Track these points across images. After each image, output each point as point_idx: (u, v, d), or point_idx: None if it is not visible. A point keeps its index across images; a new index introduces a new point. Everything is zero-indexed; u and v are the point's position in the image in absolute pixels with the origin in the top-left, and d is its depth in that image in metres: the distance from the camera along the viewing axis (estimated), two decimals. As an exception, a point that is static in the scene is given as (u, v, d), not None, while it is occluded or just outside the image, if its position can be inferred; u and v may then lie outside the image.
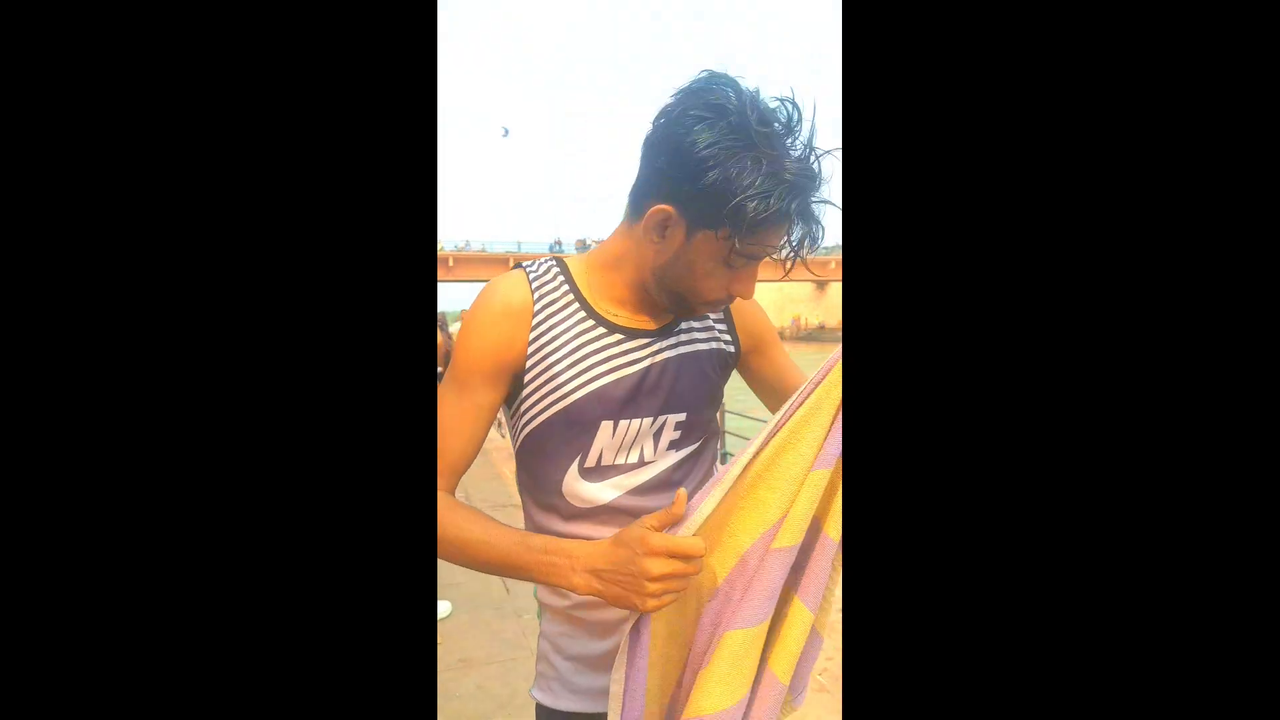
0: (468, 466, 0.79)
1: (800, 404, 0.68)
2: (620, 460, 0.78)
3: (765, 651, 0.71)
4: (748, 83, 0.67)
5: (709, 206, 0.65)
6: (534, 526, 0.83)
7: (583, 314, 0.77)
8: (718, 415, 0.90)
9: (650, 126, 0.69)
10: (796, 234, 0.68)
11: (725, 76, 0.67)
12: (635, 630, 0.69)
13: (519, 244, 49.36)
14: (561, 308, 0.77)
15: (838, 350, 0.67)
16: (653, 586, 0.64)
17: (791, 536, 0.67)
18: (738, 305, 0.84)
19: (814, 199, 0.67)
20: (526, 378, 0.76)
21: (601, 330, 0.77)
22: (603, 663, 0.82)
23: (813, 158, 0.67)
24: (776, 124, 0.66)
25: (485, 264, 45.25)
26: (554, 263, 0.80)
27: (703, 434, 0.84)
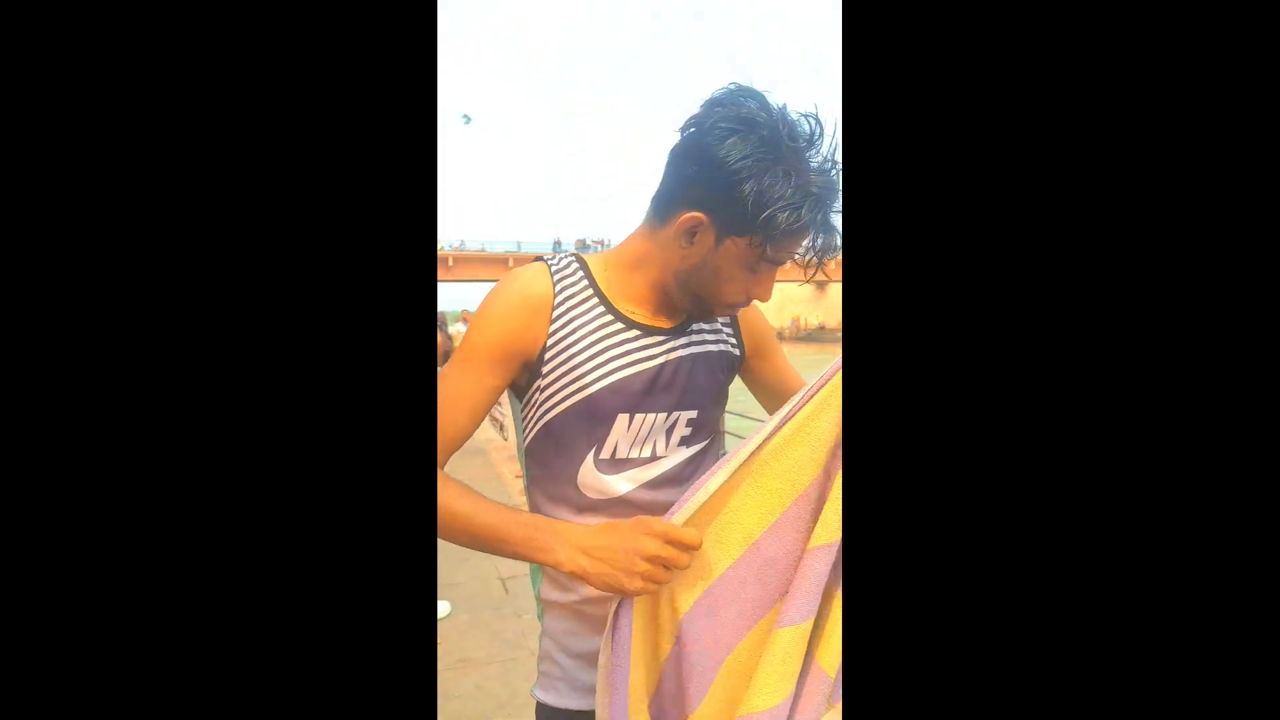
0: (461, 445, 0.81)
1: (809, 399, 0.70)
2: (634, 454, 0.80)
3: (811, 646, 0.73)
4: (754, 85, 0.71)
5: (740, 215, 0.69)
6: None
7: (602, 309, 0.79)
8: (721, 416, 0.92)
9: (678, 136, 0.73)
10: (820, 242, 0.72)
11: (752, 90, 0.71)
12: (616, 616, 0.71)
13: (519, 244, 49.37)
14: (581, 301, 0.79)
15: None
16: (643, 565, 0.67)
17: (830, 534, 0.70)
18: (743, 310, 0.87)
19: (834, 210, 0.71)
20: (546, 368, 0.78)
21: (620, 325, 0.79)
22: None
23: (834, 171, 0.71)
24: (802, 138, 0.70)
25: (484, 264, 45.23)
26: (574, 259, 0.83)
27: (710, 433, 0.87)
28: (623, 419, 0.78)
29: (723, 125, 0.69)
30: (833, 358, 0.72)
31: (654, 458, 0.81)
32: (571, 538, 0.71)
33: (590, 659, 0.83)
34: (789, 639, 0.70)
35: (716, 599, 0.73)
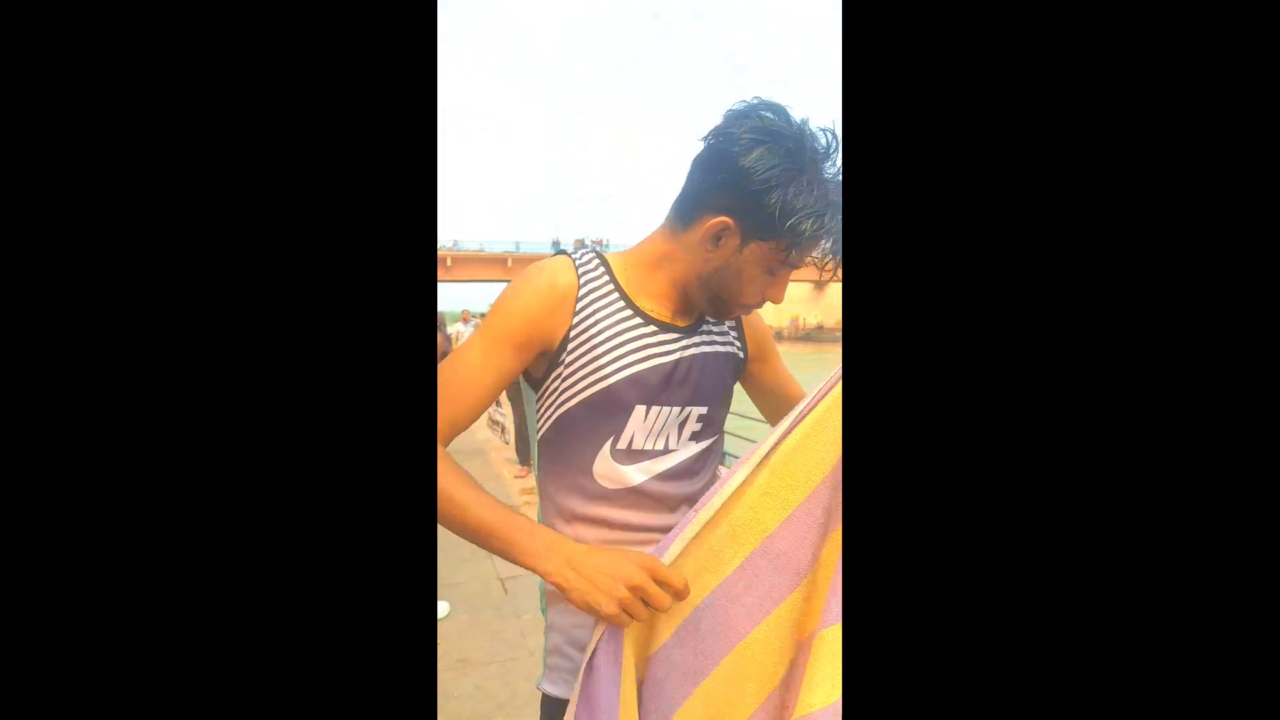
0: (468, 426, 0.81)
1: (817, 402, 0.73)
2: (649, 446, 0.83)
3: None
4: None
5: (766, 221, 0.74)
6: (553, 507, 0.85)
7: (623, 304, 0.82)
8: (725, 416, 0.95)
9: (702, 144, 0.77)
10: (835, 246, 0.77)
11: (774, 103, 0.76)
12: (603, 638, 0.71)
13: (518, 244, 49.34)
14: (603, 295, 0.82)
15: None
16: (623, 592, 0.68)
17: None
18: (747, 315, 0.91)
19: None
20: (568, 358, 0.80)
21: (639, 320, 0.82)
22: None
23: None
24: (820, 151, 0.75)
25: (483, 264, 45.17)
26: (595, 255, 0.85)
27: (716, 431, 0.90)
28: (639, 410, 0.81)
29: (749, 136, 0.73)
30: (831, 357, 0.73)
31: (666, 450, 0.84)
32: (563, 550, 0.72)
33: None
34: (835, 637, 0.70)
35: (731, 587, 0.74)
